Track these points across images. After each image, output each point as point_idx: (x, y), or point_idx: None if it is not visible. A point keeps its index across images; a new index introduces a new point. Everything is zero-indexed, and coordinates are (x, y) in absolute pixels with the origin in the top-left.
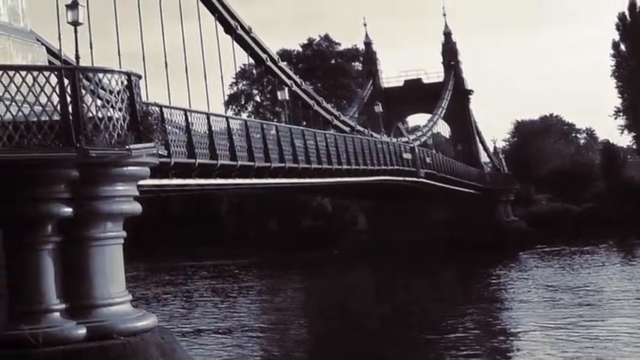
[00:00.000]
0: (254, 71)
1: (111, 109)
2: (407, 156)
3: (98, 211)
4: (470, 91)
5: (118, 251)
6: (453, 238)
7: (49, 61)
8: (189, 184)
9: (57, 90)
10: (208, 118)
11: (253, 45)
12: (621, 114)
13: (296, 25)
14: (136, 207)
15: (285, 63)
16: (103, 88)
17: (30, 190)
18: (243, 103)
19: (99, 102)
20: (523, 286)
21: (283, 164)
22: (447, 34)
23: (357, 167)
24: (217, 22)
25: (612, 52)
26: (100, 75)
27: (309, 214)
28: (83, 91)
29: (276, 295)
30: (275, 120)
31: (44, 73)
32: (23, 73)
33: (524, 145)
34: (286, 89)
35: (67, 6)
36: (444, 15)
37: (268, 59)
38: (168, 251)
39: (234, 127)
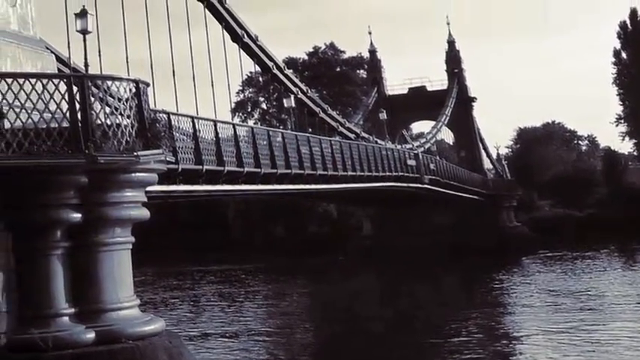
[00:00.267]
0: (260, 79)
1: (119, 117)
2: (411, 162)
3: (107, 217)
4: (473, 99)
5: (127, 256)
6: (456, 244)
7: (59, 69)
8: (196, 190)
9: (66, 97)
10: (215, 125)
11: (260, 53)
12: (622, 121)
13: (302, 33)
14: (144, 212)
15: (291, 71)
16: (111, 95)
17: (39, 196)
18: (249, 110)
19: (107, 109)
20: (526, 291)
21: (289, 170)
22: (451, 43)
23: (362, 173)
24: (224, 31)
25: (613, 59)
26: (109, 82)
27: (314, 220)
28: (92, 99)
29: (282, 300)
30: (281, 127)
31: (53, 80)
32: (33, 80)
33: (526, 152)
34: (292, 97)
35: (76, 14)
36: (448, 24)
37: (274, 67)
38: (176, 256)
39: (241, 134)
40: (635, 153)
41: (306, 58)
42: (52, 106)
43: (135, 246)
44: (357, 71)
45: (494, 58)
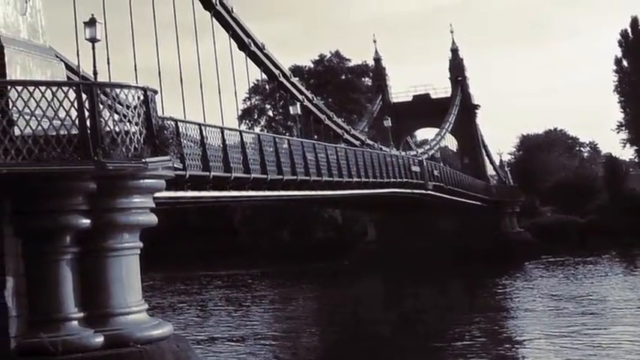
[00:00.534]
0: (267, 86)
1: (128, 124)
2: (415, 169)
3: (115, 223)
4: (476, 106)
5: (135, 261)
6: (460, 249)
7: (68, 77)
8: (204, 196)
9: (75, 105)
10: (222, 132)
11: (266, 61)
12: (623, 128)
13: (308, 42)
14: (152, 218)
15: (297, 78)
16: (120, 102)
17: (49, 202)
18: (256, 117)
19: (116, 116)
20: (528, 296)
21: (295, 177)
22: (455, 51)
23: (367, 180)
24: (231, 39)
25: (615, 68)
26: (117, 90)
27: (320, 226)
28: (101, 106)
29: (288, 304)
30: (287, 134)
31: (63, 88)
32: (42, 88)
33: (529, 159)
34: (298, 104)
35: (85, 23)
36: (452, 32)
37: (281, 75)
38: (184, 261)
39: (248, 140)
40: (636, 160)
41: (311, 66)
42: (62, 114)
43: (143, 251)
44: (362, 79)
45: (497, 66)
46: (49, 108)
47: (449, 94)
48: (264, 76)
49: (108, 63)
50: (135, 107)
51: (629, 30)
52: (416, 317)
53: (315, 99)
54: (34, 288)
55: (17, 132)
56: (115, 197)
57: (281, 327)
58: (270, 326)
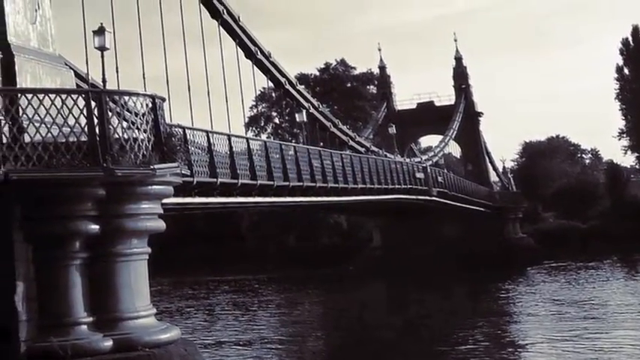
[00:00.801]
0: (273, 94)
1: (136, 131)
2: (420, 175)
3: (124, 228)
4: (480, 114)
5: (143, 266)
6: (463, 254)
7: (77, 85)
8: (211, 203)
9: (84, 112)
10: (229, 139)
11: (272, 69)
12: (625, 135)
13: (313, 50)
14: (161, 224)
15: (303, 86)
16: (128, 110)
17: (58, 208)
18: (262, 124)
19: (125, 124)
20: (531, 300)
21: (301, 183)
22: (458, 59)
23: (372, 186)
24: (238, 48)
25: (616, 75)
26: (126, 98)
27: (326, 231)
28: (109, 114)
29: (294, 309)
30: (293, 141)
31: (72, 95)
32: (52, 95)
33: (531, 165)
34: (304, 111)
35: (94, 32)
36: (455, 40)
37: (287, 83)
38: (192, 266)
39: (254, 147)
40: (637, 166)
41: (317, 74)
42: (71, 121)
43: (151, 256)
44: (367, 87)
45: (500, 73)
46: (59, 115)
47: (453, 102)
48: (271, 84)
49: (117, 71)
50: (143, 114)
51: (630, 38)
52: (420, 322)
53: (320, 106)
54: (44, 292)
55: (27, 139)
56: (123, 203)
57: (287, 331)
58: (277, 330)
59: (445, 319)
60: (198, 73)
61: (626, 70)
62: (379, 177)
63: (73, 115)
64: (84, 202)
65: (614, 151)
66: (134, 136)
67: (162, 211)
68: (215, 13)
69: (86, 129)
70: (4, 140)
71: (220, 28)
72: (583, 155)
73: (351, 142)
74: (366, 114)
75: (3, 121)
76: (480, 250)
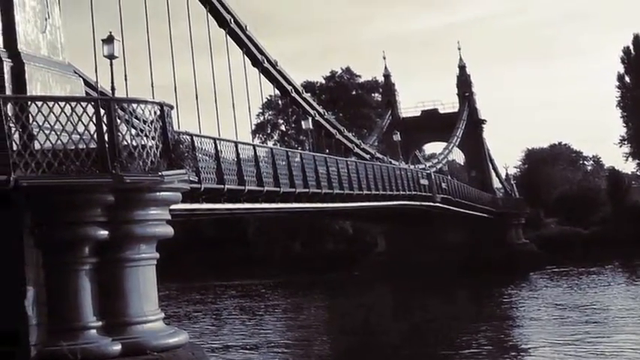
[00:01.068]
0: (279, 102)
1: (144, 138)
2: (424, 182)
3: (132, 234)
4: (483, 121)
5: (152, 271)
6: (467, 260)
7: (86, 93)
8: (218, 209)
9: (94, 119)
10: (236, 146)
11: (279, 77)
12: (626, 142)
13: (319, 58)
14: (169, 230)
15: (308, 94)
16: (137, 117)
17: (68, 214)
18: (269, 132)
19: (133, 131)
20: (533, 305)
21: (307, 190)
22: (462, 67)
23: (377, 192)
24: (245, 56)
25: (617, 83)
26: (135, 105)
27: (331, 237)
28: (118, 121)
29: (300, 313)
30: (299, 148)
31: (82, 103)
32: (62, 103)
33: (534, 172)
34: (310, 119)
35: (103, 40)
36: (459, 49)
37: (293, 91)
38: (199, 271)
39: (261, 154)
40: (638, 173)
41: (323, 82)
42: (80, 128)
43: (159, 261)
44: (372, 94)
45: (503, 82)
46: (69, 123)
47: (456, 109)
48: (277, 92)
49: (125, 79)
50: (151, 122)
51: (631, 47)
52: (425, 326)
53: (326, 114)
54: (53, 297)
55: (37, 146)
56: (132, 209)
57: (293, 335)
58: (283, 334)
59: (449, 324)
60: (206, 81)
61: (627, 78)
62: (384, 183)
63: (82, 122)
64: (93, 208)
65: (616, 158)
66: (142, 143)
67: (170, 217)
68: (222, 23)
69: (95, 136)
70: (15, 147)
71: (227, 37)
72: (585, 162)
73: (357, 149)
74: (371, 121)
75: (13, 129)
76: (483, 256)
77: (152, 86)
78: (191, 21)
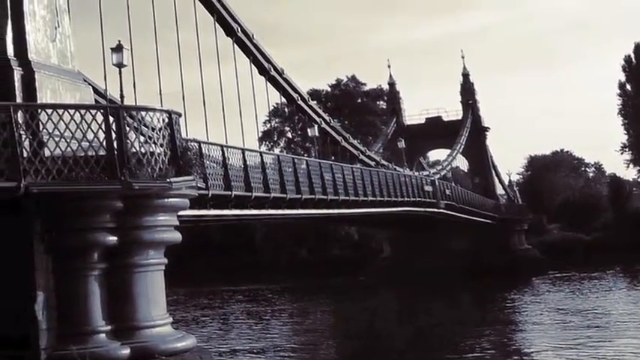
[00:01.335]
0: (286, 109)
1: (153, 145)
2: (428, 188)
3: (141, 240)
4: (486, 128)
5: (160, 276)
6: (470, 265)
7: (96, 100)
8: (225, 215)
9: (103, 127)
10: (243, 153)
11: (285, 85)
12: (627, 149)
13: (325, 67)
14: (177, 235)
15: (314, 102)
16: (145, 125)
17: (78, 220)
18: (275, 139)
19: (142, 138)
20: (536, 310)
21: (313, 196)
22: (466, 75)
23: (382, 199)
24: (252, 65)
25: (618, 91)
26: (143, 113)
27: (337, 243)
28: (127, 128)
29: (306, 318)
30: (305, 155)
31: (91, 111)
32: (72, 111)
33: (537, 179)
34: (316, 126)
35: (112, 49)
36: (463, 57)
37: (299, 98)
38: (207, 276)
39: (268, 161)
40: (639, 179)
41: (329, 90)
42: (90, 135)
43: (167, 267)
44: (377, 102)
45: (506, 89)
46: (78, 130)
47: (460, 117)
48: (284, 100)
49: (134, 87)
50: (160, 129)
51: (633, 56)
52: (429, 330)
53: (332, 121)
54: (63, 302)
55: (47, 153)
56: (140, 215)
57: (300, 339)
58: (290, 339)
59: (453, 328)
60: (214, 89)
61: (628, 87)
62: (389, 190)
63: (91, 129)
64: (102, 215)
65: (617, 165)
66: (151, 150)
67: (178, 223)
68: (230, 32)
69: (104, 143)
70: (25, 154)
71: (235, 45)
72: (587, 169)
73: (362, 156)
74: (376, 129)
75: (24, 136)
76: (487, 261)
77: (160, 94)
78: (199, 30)
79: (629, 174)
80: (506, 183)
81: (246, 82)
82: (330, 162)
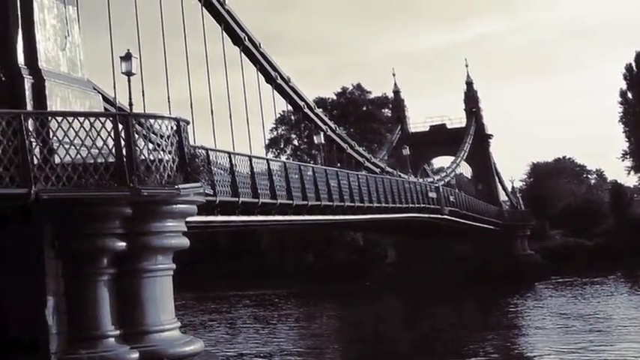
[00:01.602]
0: (292, 117)
1: (161, 152)
2: (432, 195)
3: (150, 246)
4: (490, 136)
5: (168, 281)
6: (474, 270)
7: (105, 108)
8: (233, 221)
9: (112, 134)
10: (250, 160)
11: (292, 93)
12: (628, 156)
13: (331, 75)
14: (185, 241)
15: (320, 110)
16: (154, 132)
17: (87, 226)
18: (282, 146)
19: (150, 145)
20: (538, 314)
21: (319, 202)
22: (469, 84)
23: (387, 205)
24: (259, 73)
25: (620, 99)
26: (152, 121)
27: (342, 248)
28: (136, 136)
29: (312, 322)
30: (312, 162)
31: (100, 119)
32: (81, 118)
33: (539, 185)
34: (322, 134)
35: (121, 58)
36: (466, 66)
37: (305, 106)
38: (214, 281)
39: (274, 168)
40: None
41: (334, 98)
42: (99, 143)
43: (176, 272)
44: (382, 110)
45: (509, 97)
46: (88, 137)
47: (464, 125)
48: (290, 108)
49: (143, 95)
50: (168, 137)
51: (634, 64)
52: (433, 334)
53: (337, 129)
54: (73, 307)
55: (57, 160)
56: (149, 221)
57: (306, 343)
58: (296, 343)
59: (457, 332)
60: (221, 97)
61: (629, 94)
62: (393, 196)
63: (101, 137)
64: (111, 221)
65: (618, 172)
66: (159, 157)
67: (186, 229)
68: (237, 40)
69: (114, 150)
70: (36, 161)
71: (242, 54)
72: (588, 175)
73: (367, 163)
74: (381, 136)
75: (34, 143)
76: (490, 266)
77: (169, 102)
78: (207, 39)
79: (630, 180)
80: (509, 189)
81: (253, 90)
82: (336, 169)
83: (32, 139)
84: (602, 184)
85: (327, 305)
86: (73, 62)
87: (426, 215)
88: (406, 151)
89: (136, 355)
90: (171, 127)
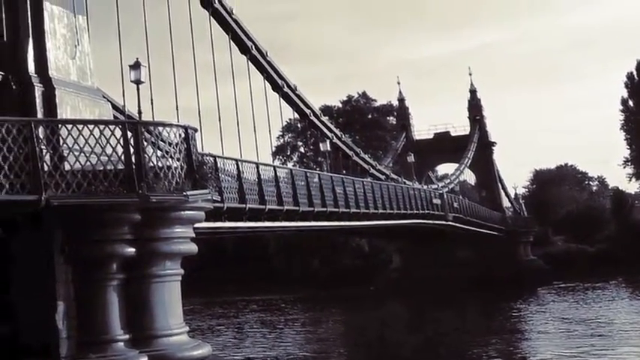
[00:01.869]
0: (299, 125)
1: (170, 159)
2: (436, 201)
3: (158, 251)
4: (493, 143)
5: (176, 287)
6: (477, 276)
7: (114, 116)
8: (240, 227)
9: (121, 142)
10: (257, 167)
11: (298, 101)
12: (629, 163)
13: (336, 83)
14: (193, 247)
15: (326, 117)
16: (162, 140)
17: (97, 232)
18: (288, 153)
19: (159, 153)
20: (541, 319)
21: (325, 208)
22: (473, 92)
23: (392, 211)
24: (266, 81)
25: (621, 107)
26: (160, 128)
27: (348, 254)
28: (145, 143)
29: (318, 327)
30: (318, 169)
31: (110, 126)
32: (91, 126)
33: (542, 192)
34: (328, 141)
35: (130, 66)
36: (470, 74)
37: (311, 114)
38: (222, 287)
39: (281, 175)
40: None
41: (340, 106)
42: (108, 150)
43: (184, 277)
44: (387, 118)
45: (512, 105)
46: (97, 145)
47: (467, 132)
48: (297, 116)
49: (151, 103)
50: (176, 144)
51: (635, 73)
52: (437, 339)
53: (343, 136)
54: (83, 311)
55: (67, 167)
56: (158, 227)
57: (312, 348)
58: (302, 347)
59: (460, 337)
60: (228, 105)
61: (630, 102)
62: (398, 203)
63: (110, 144)
64: (121, 227)
65: (620, 179)
66: (168, 164)
67: (194, 235)
68: (244, 49)
69: (123, 158)
70: (46, 168)
71: (249, 63)
72: (590, 182)
73: (372, 170)
74: (386, 143)
75: (45, 150)
76: (493, 272)
77: (177, 110)
78: (214, 47)
79: (631, 187)
80: (512, 196)
81: (260, 99)
82: (342, 176)
83: (43, 147)
84: (603, 190)
85: (333, 310)
86: (83, 71)
87: (431, 221)
88: (411, 158)
89: (145, 359)
90: (180, 135)
